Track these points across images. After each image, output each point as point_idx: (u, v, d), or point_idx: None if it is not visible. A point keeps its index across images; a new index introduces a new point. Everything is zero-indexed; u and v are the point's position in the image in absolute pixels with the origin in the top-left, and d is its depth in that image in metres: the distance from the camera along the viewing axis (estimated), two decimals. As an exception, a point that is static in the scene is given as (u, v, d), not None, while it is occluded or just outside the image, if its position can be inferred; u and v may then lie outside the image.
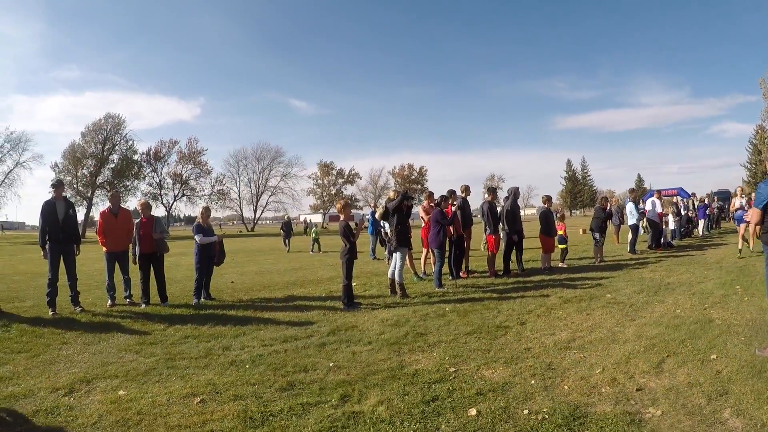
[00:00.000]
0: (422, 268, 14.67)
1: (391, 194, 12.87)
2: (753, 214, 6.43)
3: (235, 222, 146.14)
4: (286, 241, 31.23)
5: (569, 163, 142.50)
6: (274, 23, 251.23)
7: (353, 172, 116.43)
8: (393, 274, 11.49)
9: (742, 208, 18.12)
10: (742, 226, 14.29)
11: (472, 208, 16.02)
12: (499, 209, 15.35)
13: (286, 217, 31.31)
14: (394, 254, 11.63)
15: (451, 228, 12.91)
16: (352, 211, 12.58)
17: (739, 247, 15.41)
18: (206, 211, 11.85)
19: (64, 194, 10.53)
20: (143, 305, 10.72)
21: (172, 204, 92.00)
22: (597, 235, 17.33)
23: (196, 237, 11.21)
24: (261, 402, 5.05)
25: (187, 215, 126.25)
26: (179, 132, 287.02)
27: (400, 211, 11.88)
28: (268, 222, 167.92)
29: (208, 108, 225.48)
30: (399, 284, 11.24)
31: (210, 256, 11.55)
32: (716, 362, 6.12)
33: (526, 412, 4.77)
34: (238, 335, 7.99)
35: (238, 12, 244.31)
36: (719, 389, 5.24)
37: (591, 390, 5.34)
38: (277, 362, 6.46)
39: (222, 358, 6.73)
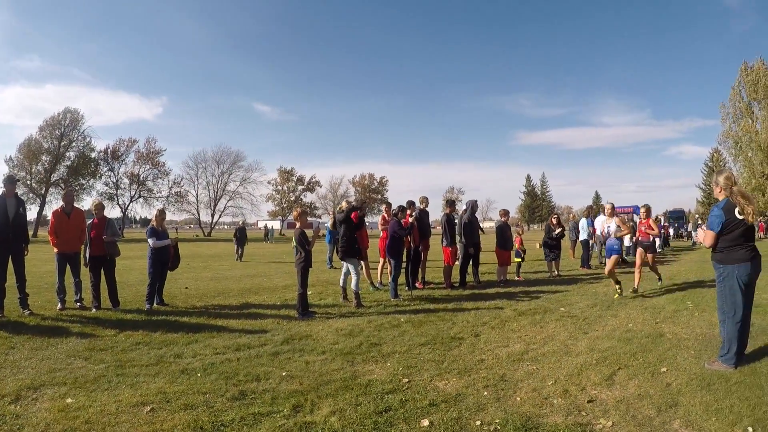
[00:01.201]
0: (379, 278, 14.67)
1: (344, 205, 12.85)
2: (708, 237, 6.61)
3: (191, 226, 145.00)
4: (239, 249, 28.44)
5: (529, 179, 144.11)
6: (242, 26, 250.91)
7: (314, 179, 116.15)
8: (344, 282, 11.75)
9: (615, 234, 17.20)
10: (613, 258, 12.88)
11: (431, 219, 16.11)
12: (456, 221, 15.45)
13: (240, 222, 30.08)
14: (345, 264, 11.72)
15: (408, 238, 12.95)
16: (310, 218, 12.59)
17: (618, 288, 12.81)
18: (161, 213, 11.70)
19: (15, 191, 10.34)
20: (94, 309, 10.56)
21: (128, 205, 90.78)
22: (547, 250, 17.61)
23: (149, 240, 11.08)
24: (212, 411, 4.99)
25: (143, 217, 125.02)
26: (139, 131, 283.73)
27: (348, 221, 11.93)
28: (225, 227, 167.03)
29: (170, 108, 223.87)
30: (355, 293, 11.28)
31: (164, 260, 11.42)
32: (666, 375, 6.26)
33: (478, 423, 4.79)
34: (191, 343, 7.90)
35: (206, 12, 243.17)
36: (669, 401, 5.36)
37: (543, 401, 5.39)
38: (229, 371, 6.40)
39: (173, 366, 6.64)
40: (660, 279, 14.45)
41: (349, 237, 11.79)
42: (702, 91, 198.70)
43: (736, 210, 6.46)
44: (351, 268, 11.54)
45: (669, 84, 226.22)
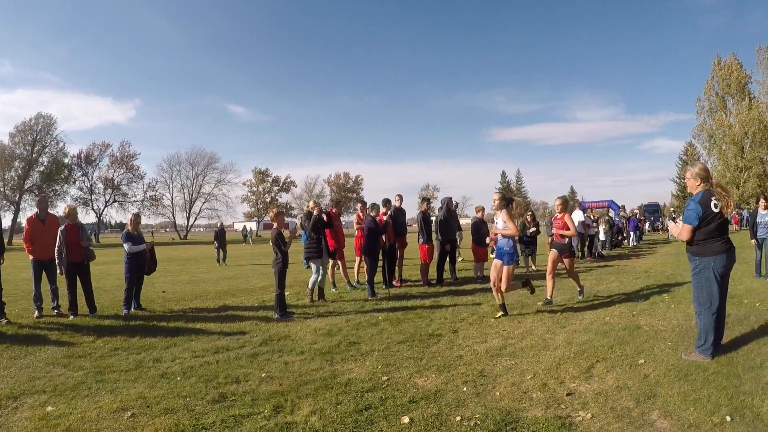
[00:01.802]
0: (355, 277, 14.69)
1: (311, 204, 12.83)
2: (685, 231, 6.67)
3: (167, 229, 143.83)
4: (220, 252, 26.75)
5: (504, 175, 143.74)
6: (215, 26, 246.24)
7: (289, 179, 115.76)
8: (322, 284, 11.89)
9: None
10: (505, 270, 9.98)
11: (407, 217, 16.15)
12: (432, 219, 15.50)
13: (219, 225, 29.43)
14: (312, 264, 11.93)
15: (383, 236, 12.98)
16: (286, 219, 12.61)
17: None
18: (136, 218, 11.63)
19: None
20: (71, 316, 10.47)
21: (103, 210, 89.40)
22: (522, 246, 17.71)
23: (124, 245, 11.02)
24: (193, 415, 5.00)
25: (118, 222, 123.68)
26: (113, 134, 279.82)
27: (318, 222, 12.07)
28: (201, 229, 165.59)
29: (143, 110, 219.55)
30: (309, 290, 11.72)
31: (140, 265, 11.35)
32: (644, 366, 6.33)
33: (458, 418, 4.83)
34: (169, 347, 7.88)
35: (177, 12, 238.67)
36: (647, 392, 5.42)
37: (522, 395, 5.44)
38: (208, 374, 6.40)
39: (153, 371, 6.63)
40: (581, 292, 11.84)
41: (318, 237, 12.03)
42: (676, 86, 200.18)
43: (712, 203, 6.56)
44: (314, 268, 11.82)
45: (643, 79, 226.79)
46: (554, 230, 11.64)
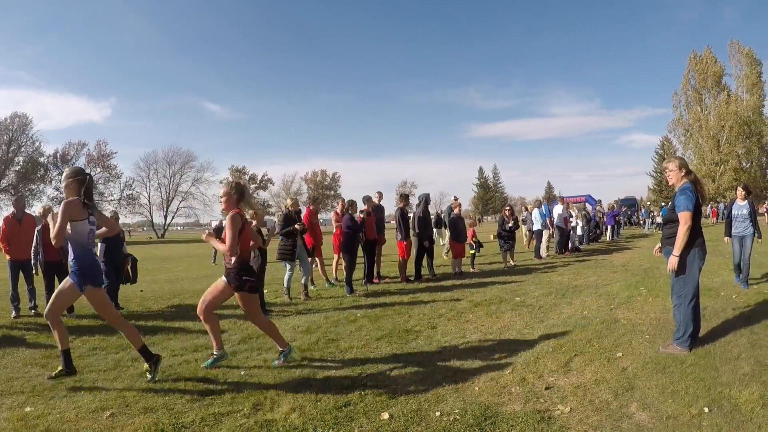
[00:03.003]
0: (334, 274, 14.69)
1: (289, 202, 12.79)
2: (685, 218, 6.62)
3: (144, 228, 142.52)
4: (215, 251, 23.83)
5: (481, 171, 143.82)
6: (190, 24, 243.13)
7: (266, 177, 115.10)
8: (306, 281, 11.65)
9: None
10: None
11: (386, 213, 16.18)
12: (410, 215, 15.53)
13: (220, 221, 28.51)
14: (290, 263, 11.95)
15: (362, 233, 13.00)
16: (264, 217, 12.57)
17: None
18: (113, 216, 11.54)
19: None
20: (49, 316, 10.34)
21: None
22: (501, 241, 17.77)
23: (99, 245, 10.91)
24: (172, 414, 4.98)
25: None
26: (88, 133, 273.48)
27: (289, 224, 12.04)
28: (178, 228, 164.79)
29: (118, 109, 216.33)
30: (285, 288, 11.72)
31: (116, 264, 11.24)
32: (622, 360, 6.39)
33: (437, 413, 4.85)
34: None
35: (153, 10, 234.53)
36: (625, 385, 5.48)
37: (501, 390, 5.47)
38: (187, 372, 6.39)
39: (131, 370, 6.60)
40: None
41: (292, 239, 11.92)
42: (651, 81, 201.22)
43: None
44: (288, 266, 11.84)
45: (618, 74, 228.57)
46: None
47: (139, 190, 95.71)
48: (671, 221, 6.89)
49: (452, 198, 18.93)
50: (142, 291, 14.27)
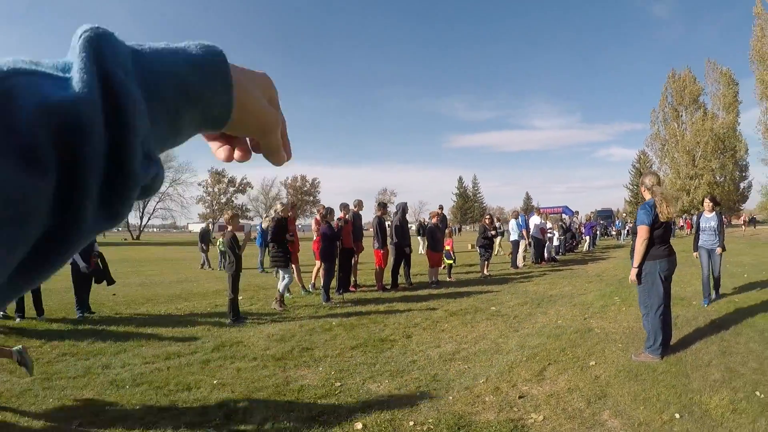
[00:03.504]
0: (312, 281, 14.64)
1: (278, 207, 12.69)
2: (642, 232, 7.01)
3: (119, 229, 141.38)
4: (206, 257, 24.30)
5: (461, 180, 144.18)
6: (174, 16, 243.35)
7: (245, 181, 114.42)
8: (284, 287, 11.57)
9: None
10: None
11: (364, 221, 16.18)
12: (388, 224, 15.54)
13: (208, 225, 27.72)
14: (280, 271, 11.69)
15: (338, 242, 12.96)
16: (242, 221, 12.47)
17: None
18: None
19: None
20: (18, 319, 10.17)
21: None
22: (482, 250, 17.82)
23: None
24: (142, 423, 4.91)
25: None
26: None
27: (280, 229, 11.86)
28: (154, 230, 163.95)
29: None
30: (279, 294, 11.42)
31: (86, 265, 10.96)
32: (595, 368, 6.51)
33: (411, 423, 4.87)
34: (119, 352, 7.72)
35: (133, 2, 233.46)
36: (598, 393, 5.58)
37: (475, 399, 5.51)
38: (159, 381, 6.30)
39: (102, 377, 6.50)
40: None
41: (283, 246, 11.75)
42: (631, 97, 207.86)
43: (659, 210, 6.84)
44: (282, 274, 11.62)
45: (599, 89, 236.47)
46: None
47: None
48: (636, 234, 7.23)
49: (437, 207, 18.95)
50: (114, 295, 14.09)
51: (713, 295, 11.11)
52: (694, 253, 11.63)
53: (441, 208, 18.63)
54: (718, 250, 11.09)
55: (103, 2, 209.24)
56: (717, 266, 11.12)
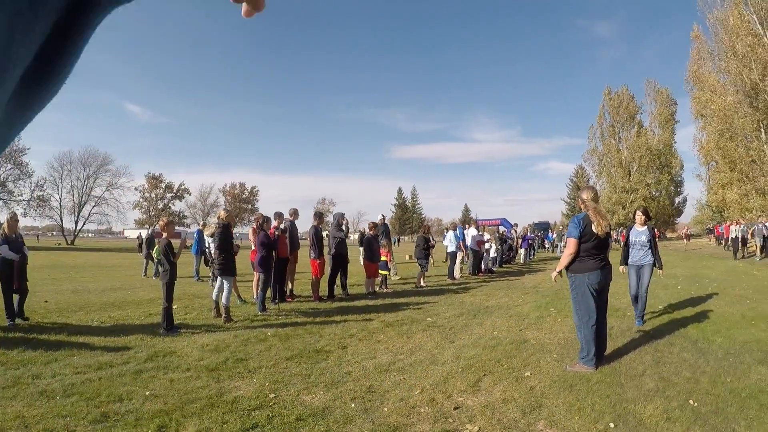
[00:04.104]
0: (254, 292, 14.56)
1: (222, 213, 12.54)
2: (570, 245, 7.25)
3: (54, 233, 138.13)
4: (148, 263, 23.15)
5: (400, 191, 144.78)
6: (114, 17, 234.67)
7: (183, 186, 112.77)
8: (216, 296, 11.39)
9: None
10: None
11: (301, 231, 16.16)
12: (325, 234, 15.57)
13: (150, 231, 26.91)
14: (220, 279, 11.49)
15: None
16: (178, 228, 12.33)
17: None
18: (13, 218, 10.93)
19: None
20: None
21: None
22: (423, 261, 17.97)
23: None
24: (72, 435, 4.87)
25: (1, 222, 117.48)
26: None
27: (226, 237, 11.73)
28: (90, 235, 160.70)
29: None
30: (225, 307, 11.11)
31: (10, 273, 10.64)
32: (530, 379, 6.62)
33: (346, 435, 4.86)
34: (50, 362, 7.57)
35: None
36: (533, 403, 5.68)
37: (410, 411, 5.56)
38: (90, 391, 6.20)
39: (32, 388, 6.36)
40: None
41: (229, 254, 11.64)
42: (571, 112, 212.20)
43: (593, 224, 7.05)
44: (226, 284, 11.37)
45: (539, 104, 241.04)
46: None
47: (50, 191, 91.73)
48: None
49: (380, 216, 19.04)
50: (46, 302, 13.82)
51: (638, 323, 10.19)
52: (621, 268, 10.47)
53: (384, 217, 18.74)
54: (658, 271, 10.48)
55: None
56: (645, 285, 10.17)
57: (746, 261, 28.01)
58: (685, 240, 54.49)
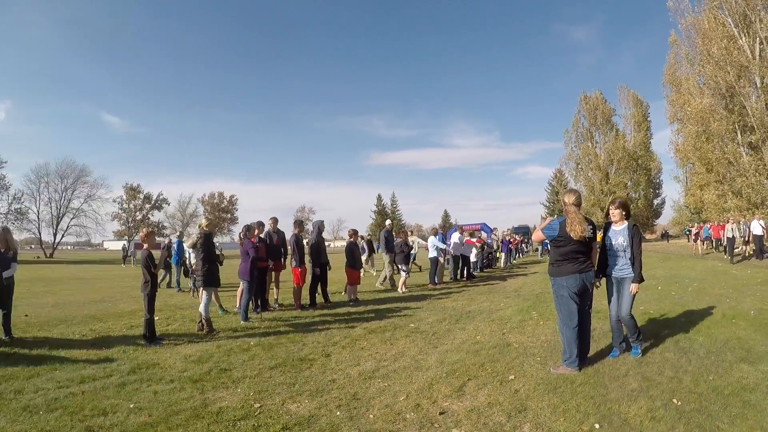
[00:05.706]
0: (238, 302, 14.50)
1: (203, 222, 12.47)
2: (536, 234, 7.64)
3: (32, 246, 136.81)
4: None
5: (380, 198, 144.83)
6: (92, 27, 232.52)
7: (161, 197, 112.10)
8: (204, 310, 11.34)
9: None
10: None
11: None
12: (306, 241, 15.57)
13: (129, 242, 26.92)
14: (201, 290, 11.41)
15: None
16: (159, 239, 12.24)
17: None
18: (4, 233, 10.75)
19: None
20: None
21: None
22: (405, 266, 18.00)
23: None
24: (56, 450, 4.84)
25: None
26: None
27: (209, 247, 11.71)
28: (69, 247, 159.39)
29: (14, 113, 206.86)
30: (205, 319, 11.01)
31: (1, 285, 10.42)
32: (514, 382, 6.65)
33: (332, 443, 4.86)
34: (32, 376, 7.51)
35: (53, 8, 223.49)
36: (518, 406, 5.71)
37: (396, 417, 5.58)
38: (74, 405, 6.16)
39: (14, 403, 6.31)
40: None
41: (213, 264, 11.61)
42: (549, 117, 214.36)
43: (568, 228, 7.08)
44: (204, 294, 11.32)
45: (517, 109, 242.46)
46: None
47: (28, 204, 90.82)
48: (550, 250, 7.61)
49: (387, 222, 19.18)
50: (26, 316, 13.68)
51: (624, 346, 7.97)
52: (596, 281, 7.67)
53: (369, 235, 18.83)
54: (633, 287, 7.58)
55: (19, 7, 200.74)
56: (625, 307, 7.67)
57: (737, 263, 25.92)
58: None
